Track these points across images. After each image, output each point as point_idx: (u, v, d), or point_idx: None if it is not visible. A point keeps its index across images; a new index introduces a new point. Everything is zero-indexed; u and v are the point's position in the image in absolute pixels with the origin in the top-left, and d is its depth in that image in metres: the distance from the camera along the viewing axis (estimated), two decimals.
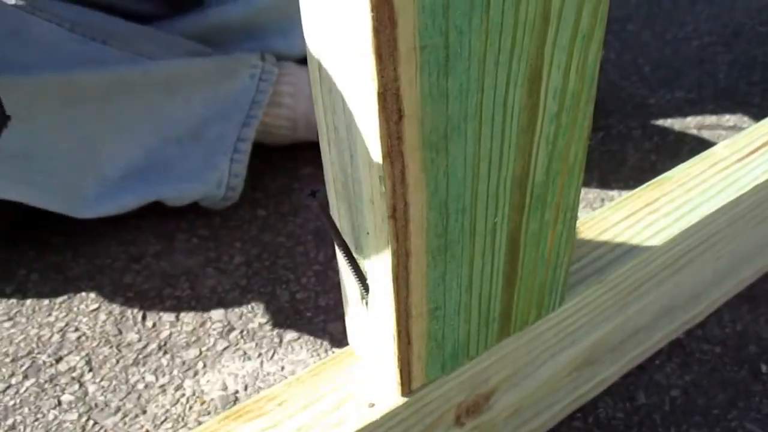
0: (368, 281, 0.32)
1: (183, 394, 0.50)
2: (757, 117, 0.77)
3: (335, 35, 0.25)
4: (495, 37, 0.25)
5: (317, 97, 0.28)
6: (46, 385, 0.51)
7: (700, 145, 0.73)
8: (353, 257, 0.32)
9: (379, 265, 0.30)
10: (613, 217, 0.45)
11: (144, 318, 0.57)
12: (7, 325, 0.57)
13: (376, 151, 0.26)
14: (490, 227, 0.31)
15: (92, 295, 0.59)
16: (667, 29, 0.97)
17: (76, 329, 0.56)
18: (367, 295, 0.33)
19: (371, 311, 0.33)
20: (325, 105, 0.28)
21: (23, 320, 0.57)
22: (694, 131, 0.76)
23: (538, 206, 0.33)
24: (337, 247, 0.32)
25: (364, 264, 0.31)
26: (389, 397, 0.35)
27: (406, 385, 0.34)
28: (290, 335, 0.55)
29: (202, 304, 0.58)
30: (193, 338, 0.55)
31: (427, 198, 0.28)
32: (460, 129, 0.27)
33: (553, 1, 0.26)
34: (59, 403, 0.50)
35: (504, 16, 0.25)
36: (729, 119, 0.77)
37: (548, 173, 0.32)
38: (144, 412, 0.49)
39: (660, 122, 0.78)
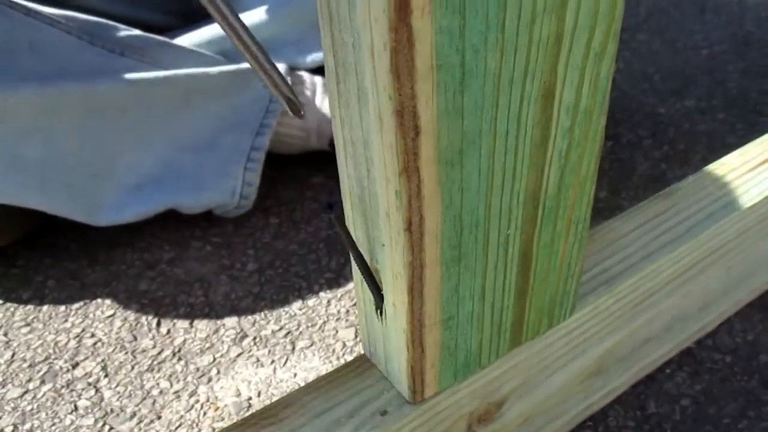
0: (383, 291, 0.33)
1: (197, 400, 0.51)
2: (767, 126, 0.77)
3: (354, 53, 0.26)
4: (509, 56, 0.26)
5: (335, 111, 0.29)
6: (63, 391, 0.52)
7: (711, 154, 0.73)
8: (368, 268, 0.32)
9: (394, 276, 0.30)
10: (623, 228, 0.46)
11: (158, 324, 0.58)
12: (24, 330, 0.58)
13: (392, 167, 0.26)
14: (503, 239, 0.32)
15: (108, 301, 0.60)
16: (677, 38, 0.97)
17: (92, 335, 0.57)
18: (381, 304, 0.33)
19: (385, 320, 0.34)
20: (343, 120, 0.29)
21: (40, 326, 0.58)
22: (704, 140, 0.76)
23: (551, 218, 0.33)
24: (352, 259, 0.32)
25: (379, 275, 0.32)
26: (402, 405, 0.36)
27: (419, 393, 0.35)
28: (303, 342, 0.55)
29: (215, 310, 0.59)
30: (207, 345, 0.55)
31: (442, 211, 0.28)
32: (475, 144, 0.27)
33: (566, 21, 0.26)
34: (76, 408, 0.51)
35: (518, 36, 0.25)
36: (739, 128, 0.78)
37: (560, 186, 0.32)
38: (159, 417, 0.50)
39: (670, 131, 0.78)
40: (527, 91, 0.27)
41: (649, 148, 0.75)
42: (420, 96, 0.25)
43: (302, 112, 0.28)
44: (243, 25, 0.25)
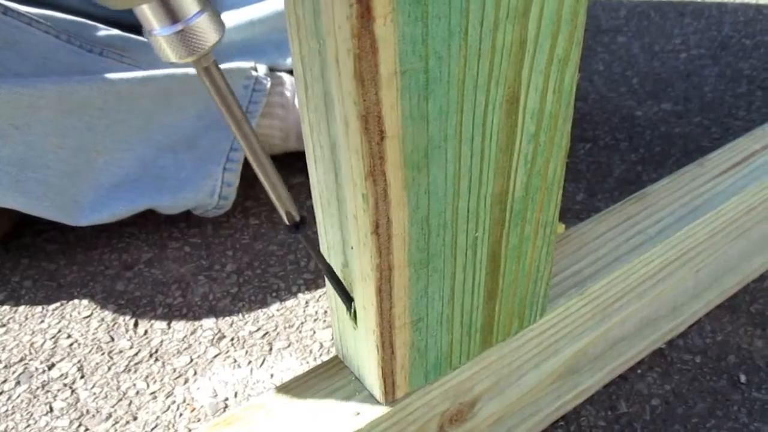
0: (353, 293, 0.33)
1: (173, 401, 0.51)
2: (741, 130, 0.78)
3: (319, 59, 0.26)
4: (473, 63, 0.26)
5: (304, 116, 0.29)
6: (39, 392, 0.52)
7: (685, 157, 0.74)
8: (338, 279, 0.33)
9: (363, 278, 0.31)
10: (595, 231, 0.46)
11: (136, 325, 0.58)
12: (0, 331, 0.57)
13: (359, 170, 0.27)
14: (471, 242, 0.32)
15: (85, 302, 0.60)
16: (656, 41, 0.99)
17: (69, 336, 0.57)
18: (352, 306, 0.34)
19: (356, 322, 0.34)
20: (312, 124, 0.29)
21: (16, 327, 0.58)
22: (680, 143, 0.77)
23: (518, 222, 0.34)
24: (320, 266, 0.33)
25: (350, 277, 0.32)
26: (374, 405, 0.36)
27: (391, 394, 0.35)
28: (280, 343, 0.55)
29: (193, 311, 0.59)
30: (184, 346, 0.55)
31: (409, 214, 0.29)
32: (441, 149, 0.28)
33: (529, 28, 0.27)
34: (51, 409, 0.51)
35: (481, 43, 0.26)
36: (714, 132, 0.79)
37: (527, 190, 0.33)
38: (135, 418, 0.50)
39: (646, 134, 0.79)
40: (492, 97, 0.28)
41: (626, 150, 0.76)
42: (384, 101, 0.25)
43: (298, 227, 0.30)
44: (262, 148, 0.28)
